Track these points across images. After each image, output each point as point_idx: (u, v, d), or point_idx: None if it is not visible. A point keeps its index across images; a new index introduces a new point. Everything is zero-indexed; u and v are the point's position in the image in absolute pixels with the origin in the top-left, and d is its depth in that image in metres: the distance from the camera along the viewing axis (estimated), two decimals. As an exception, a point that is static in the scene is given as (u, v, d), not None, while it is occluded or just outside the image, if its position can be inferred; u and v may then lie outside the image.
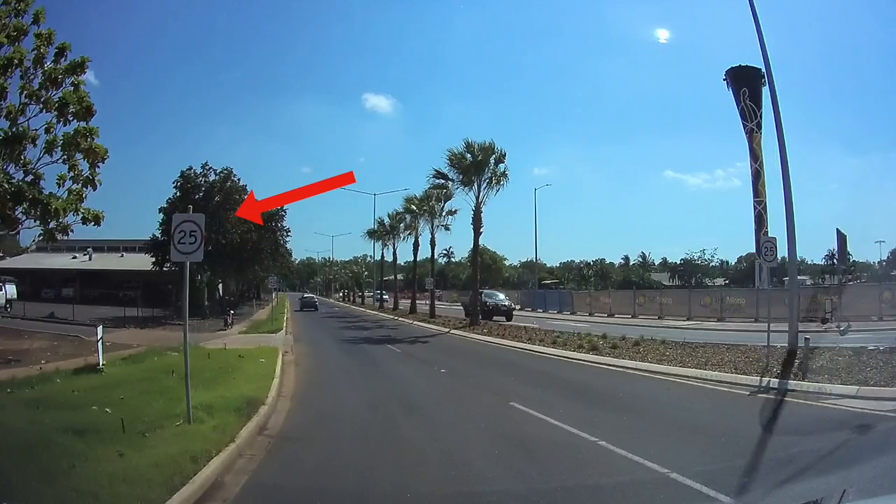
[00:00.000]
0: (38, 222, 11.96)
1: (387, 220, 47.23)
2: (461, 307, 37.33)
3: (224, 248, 32.63)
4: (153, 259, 34.42)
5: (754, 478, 5.16)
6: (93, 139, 11.74)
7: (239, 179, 36.05)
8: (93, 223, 12.13)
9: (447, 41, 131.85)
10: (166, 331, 22.56)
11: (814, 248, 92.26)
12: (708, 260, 72.13)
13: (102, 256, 51.41)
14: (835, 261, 47.85)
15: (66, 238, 13.13)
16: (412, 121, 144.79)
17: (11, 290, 34.83)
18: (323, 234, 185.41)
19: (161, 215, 33.80)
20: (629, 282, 62.19)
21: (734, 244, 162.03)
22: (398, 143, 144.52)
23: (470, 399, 9.97)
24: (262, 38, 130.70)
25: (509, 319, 30.15)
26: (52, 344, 16.41)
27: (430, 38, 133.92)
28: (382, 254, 55.56)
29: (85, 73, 12.29)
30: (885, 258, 64.10)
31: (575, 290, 53.62)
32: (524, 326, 23.98)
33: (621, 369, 12.69)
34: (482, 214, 27.68)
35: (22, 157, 11.72)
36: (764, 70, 13.90)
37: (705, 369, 11.59)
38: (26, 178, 11.81)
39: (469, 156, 27.06)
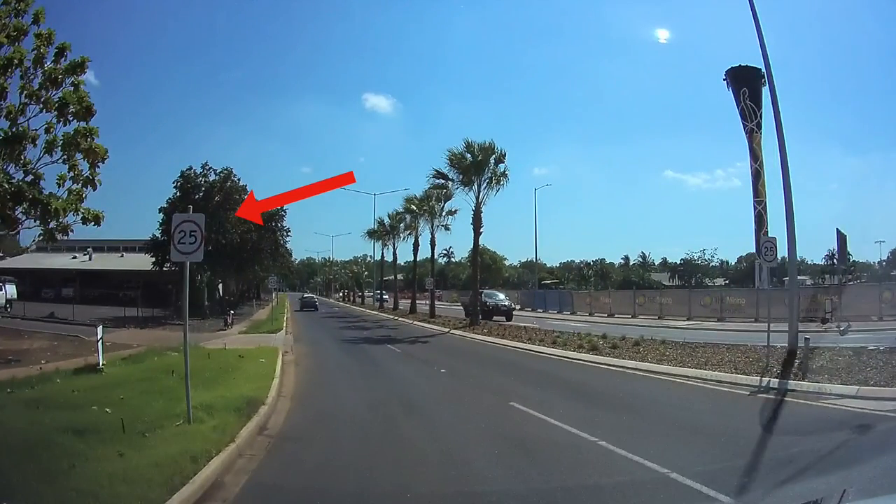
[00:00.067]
0: (38, 222, 11.96)
1: (387, 220, 47.33)
2: (461, 307, 37.33)
3: (224, 248, 32.64)
4: (153, 259, 34.43)
5: (754, 478, 5.16)
6: (93, 139, 11.74)
7: (239, 179, 36.17)
8: (93, 223, 12.14)
9: (447, 41, 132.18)
10: (166, 331, 22.56)
11: (814, 248, 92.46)
12: (708, 260, 72.29)
13: (102, 256, 51.42)
14: (835, 261, 47.85)
15: (66, 238, 13.13)
16: (412, 121, 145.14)
17: (11, 290, 34.83)
18: (323, 234, 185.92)
19: (161, 215, 33.86)
20: (629, 282, 62.19)
21: (734, 244, 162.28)
22: (398, 143, 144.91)
23: (470, 399, 9.97)
24: (262, 38, 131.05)
25: (509, 319, 30.14)
26: (52, 344, 16.41)
27: (430, 38, 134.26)
28: (382, 254, 55.72)
29: (85, 73, 12.32)
30: (885, 258, 64.24)
31: (575, 290, 53.61)
32: (524, 326, 23.97)
33: (621, 369, 12.69)
34: (482, 214, 27.74)
35: (22, 157, 11.72)
36: (764, 70, 13.92)
37: (705, 369, 11.60)
38: (26, 178, 11.81)
39: (469, 156, 27.05)
